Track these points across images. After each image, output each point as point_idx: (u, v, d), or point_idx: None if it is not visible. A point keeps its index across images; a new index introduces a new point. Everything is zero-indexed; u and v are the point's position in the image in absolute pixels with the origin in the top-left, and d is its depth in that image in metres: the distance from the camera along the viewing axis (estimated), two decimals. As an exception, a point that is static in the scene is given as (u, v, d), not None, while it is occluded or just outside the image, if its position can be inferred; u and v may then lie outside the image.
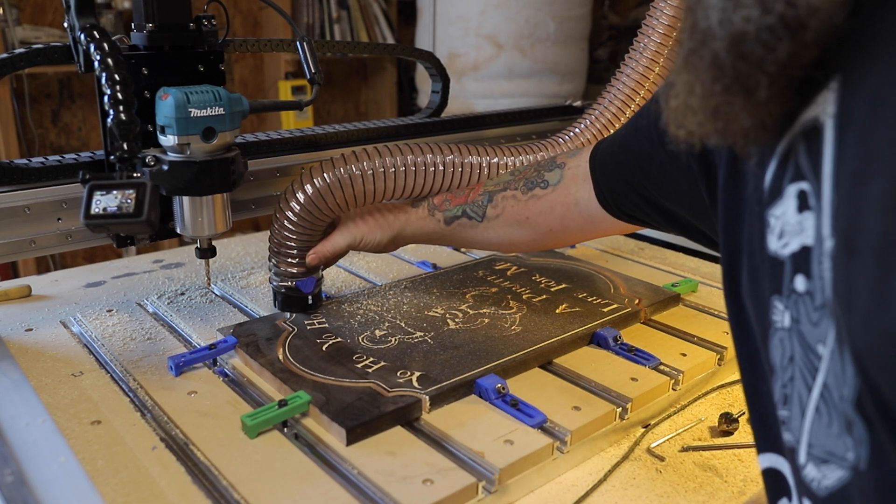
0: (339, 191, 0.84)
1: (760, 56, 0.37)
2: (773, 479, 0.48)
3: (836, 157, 0.37)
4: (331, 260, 0.90)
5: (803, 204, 0.39)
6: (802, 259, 0.40)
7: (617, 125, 0.92)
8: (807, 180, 0.39)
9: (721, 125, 0.41)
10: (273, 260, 0.89)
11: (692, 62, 0.40)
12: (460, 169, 0.88)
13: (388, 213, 0.90)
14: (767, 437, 0.48)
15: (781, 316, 0.42)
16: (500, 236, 0.85)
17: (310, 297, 0.90)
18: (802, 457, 0.41)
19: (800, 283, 0.40)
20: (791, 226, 0.40)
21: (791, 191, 0.40)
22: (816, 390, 0.39)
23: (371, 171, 0.84)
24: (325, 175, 0.84)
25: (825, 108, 0.38)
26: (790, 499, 0.46)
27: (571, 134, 0.96)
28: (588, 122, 0.94)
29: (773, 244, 0.42)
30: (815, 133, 0.38)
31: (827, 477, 0.40)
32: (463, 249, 1.21)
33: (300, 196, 0.84)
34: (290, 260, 0.88)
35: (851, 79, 0.37)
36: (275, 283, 0.90)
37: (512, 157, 0.91)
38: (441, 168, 0.87)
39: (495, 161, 0.90)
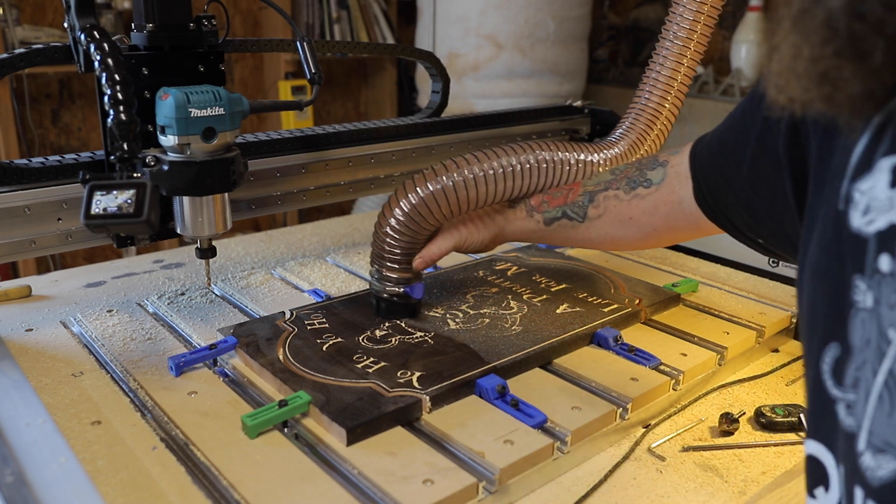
0: (444, 199, 0.83)
1: (880, 17, 0.34)
2: (812, 467, 0.47)
3: None
4: (435, 262, 0.90)
5: None
6: (890, 237, 0.38)
7: (659, 119, 0.93)
8: None
9: (827, 92, 0.38)
10: (375, 266, 0.88)
11: (801, 22, 0.38)
12: (558, 167, 0.87)
13: (488, 213, 0.90)
14: (816, 423, 0.47)
15: (864, 296, 0.40)
16: (602, 236, 0.84)
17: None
18: (862, 443, 0.40)
19: (884, 262, 0.38)
20: (880, 201, 0.39)
21: (884, 165, 0.39)
22: (881, 376, 0.38)
23: (472, 177, 0.83)
24: (428, 185, 0.83)
25: None
26: (827, 489, 0.45)
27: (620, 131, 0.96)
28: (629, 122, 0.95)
29: (857, 220, 0.40)
30: None
31: (882, 467, 0.38)
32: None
33: (405, 206, 0.84)
34: (394, 265, 0.87)
35: None
36: (378, 289, 0.89)
37: (596, 154, 0.90)
38: (538, 167, 0.86)
39: (582, 158, 0.89)
